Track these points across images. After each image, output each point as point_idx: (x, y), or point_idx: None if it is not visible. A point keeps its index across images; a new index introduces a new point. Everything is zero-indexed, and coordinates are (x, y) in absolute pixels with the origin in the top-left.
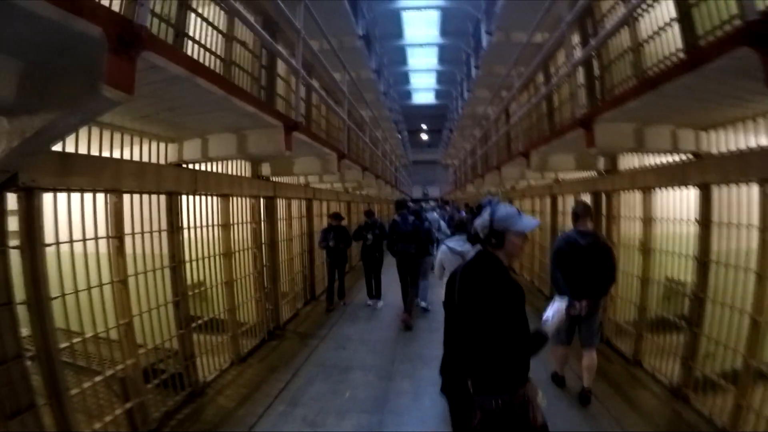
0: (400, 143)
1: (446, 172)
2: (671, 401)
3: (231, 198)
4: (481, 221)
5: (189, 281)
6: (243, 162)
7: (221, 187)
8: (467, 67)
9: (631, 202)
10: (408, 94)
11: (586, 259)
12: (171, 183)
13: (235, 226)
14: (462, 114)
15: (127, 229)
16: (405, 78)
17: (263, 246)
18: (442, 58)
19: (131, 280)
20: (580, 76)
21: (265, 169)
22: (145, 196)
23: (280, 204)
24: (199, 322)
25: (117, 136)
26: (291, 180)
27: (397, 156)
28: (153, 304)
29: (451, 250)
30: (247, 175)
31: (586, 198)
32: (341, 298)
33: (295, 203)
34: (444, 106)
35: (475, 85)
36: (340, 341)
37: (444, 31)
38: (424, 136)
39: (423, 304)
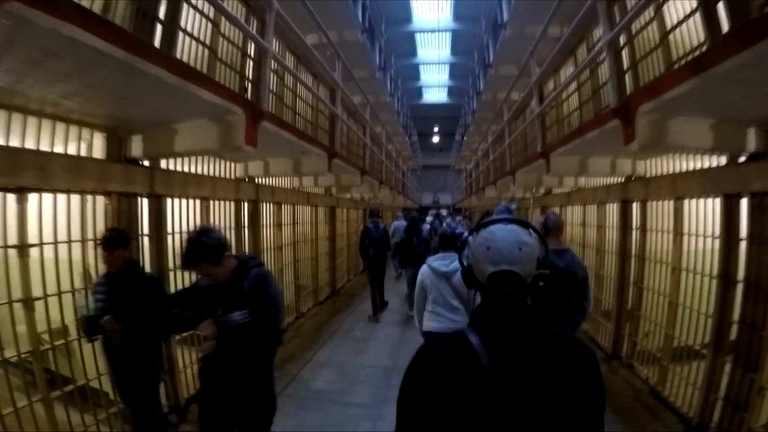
0: (407, 144)
1: (459, 178)
2: None
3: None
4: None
5: None
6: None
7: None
8: (486, 49)
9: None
10: (418, 92)
11: (568, 285)
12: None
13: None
14: (481, 102)
15: None
16: (415, 72)
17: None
18: (456, 49)
19: None
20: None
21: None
22: None
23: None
24: None
25: None
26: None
27: (403, 158)
28: None
29: (434, 271)
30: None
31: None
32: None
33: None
34: (457, 107)
35: (498, 58)
36: None
37: (457, 16)
38: (436, 139)
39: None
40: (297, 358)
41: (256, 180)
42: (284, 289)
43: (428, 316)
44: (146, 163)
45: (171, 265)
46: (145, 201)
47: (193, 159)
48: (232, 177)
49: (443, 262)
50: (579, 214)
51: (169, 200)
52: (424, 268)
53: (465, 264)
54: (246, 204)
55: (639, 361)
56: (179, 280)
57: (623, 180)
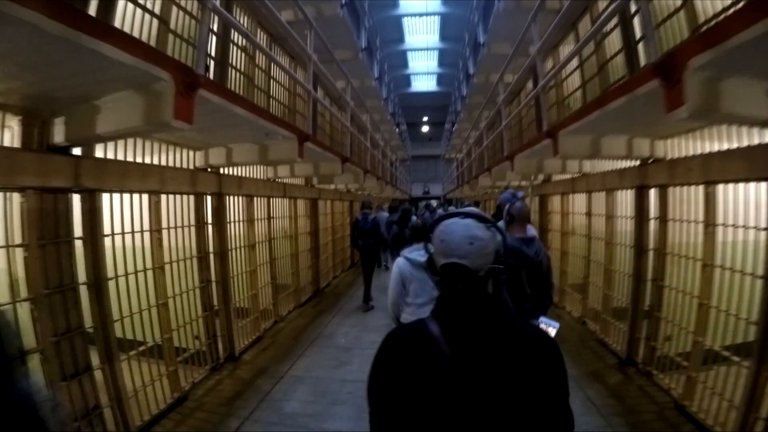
0: (396, 133)
1: (449, 168)
2: None
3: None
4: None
5: None
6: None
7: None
8: (477, 27)
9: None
10: (407, 81)
11: (537, 274)
12: None
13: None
14: (472, 86)
15: None
16: (403, 59)
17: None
18: (445, 34)
19: None
20: None
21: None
22: None
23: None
24: None
25: None
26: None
27: (392, 148)
28: None
29: (411, 263)
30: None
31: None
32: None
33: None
34: (447, 95)
35: (491, 36)
36: None
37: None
38: (425, 129)
39: None
40: (270, 372)
41: (221, 170)
42: (259, 292)
43: (410, 310)
44: (77, 151)
45: (111, 273)
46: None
47: (142, 146)
48: (192, 167)
49: (420, 253)
50: (583, 203)
51: (106, 196)
52: (400, 261)
53: (430, 252)
54: (210, 198)
55: (659, 369)
56: (121, 291)
57: (638, 163)
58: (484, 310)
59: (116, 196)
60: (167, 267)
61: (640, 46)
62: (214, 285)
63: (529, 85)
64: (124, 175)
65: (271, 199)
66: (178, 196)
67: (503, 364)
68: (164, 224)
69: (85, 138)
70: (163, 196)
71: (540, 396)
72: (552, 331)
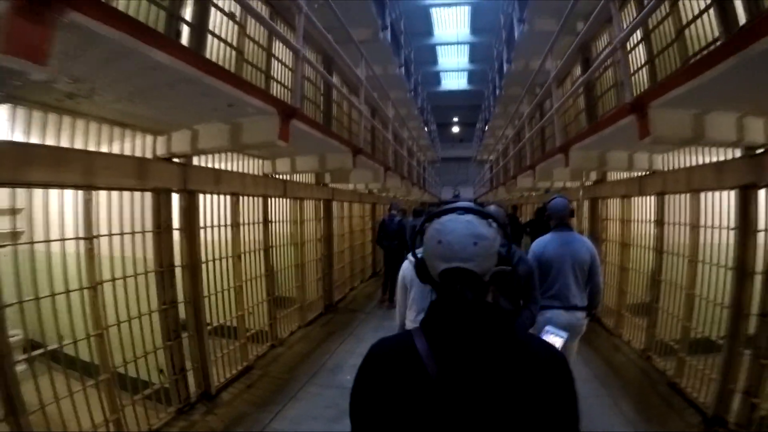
0: (424, 130)
1: (481, 170)
2: None
3: None
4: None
5: None
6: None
7: None
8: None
9: None
10: (436, 78)
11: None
12: None
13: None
14: (510, 73)
15: None
16: (432, 55)
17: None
18: (476, 27)
19: None
20: None
21: None
22: None
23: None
24: None
25: None
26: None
27: (420, 147)
28: None
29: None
30: None
31: None
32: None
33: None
34: (478, 93)
35: (532, 9)
36: None
37: None
38: (456, 129)
39: None
40: (249, 420)
41: (195, 160)
42: (253, 310)
43: (409, 316)
44: None
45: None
46: None
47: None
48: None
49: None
50: (652, 208)
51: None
52: (405, 264)
53: (417, 256)
54: (179, 196)
55: None
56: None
57: (741, 155)
58: (480, 322)
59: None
60: (111, 285)
61: None
62: (184, 305)
63: (577, 70)
64: (21, 162)
65: (269, 199)
66: (119, 193)
67: (499, 385)
68: (108, 229)
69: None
70: (95, 193)
71: (543, 424)
72: (558, 342)
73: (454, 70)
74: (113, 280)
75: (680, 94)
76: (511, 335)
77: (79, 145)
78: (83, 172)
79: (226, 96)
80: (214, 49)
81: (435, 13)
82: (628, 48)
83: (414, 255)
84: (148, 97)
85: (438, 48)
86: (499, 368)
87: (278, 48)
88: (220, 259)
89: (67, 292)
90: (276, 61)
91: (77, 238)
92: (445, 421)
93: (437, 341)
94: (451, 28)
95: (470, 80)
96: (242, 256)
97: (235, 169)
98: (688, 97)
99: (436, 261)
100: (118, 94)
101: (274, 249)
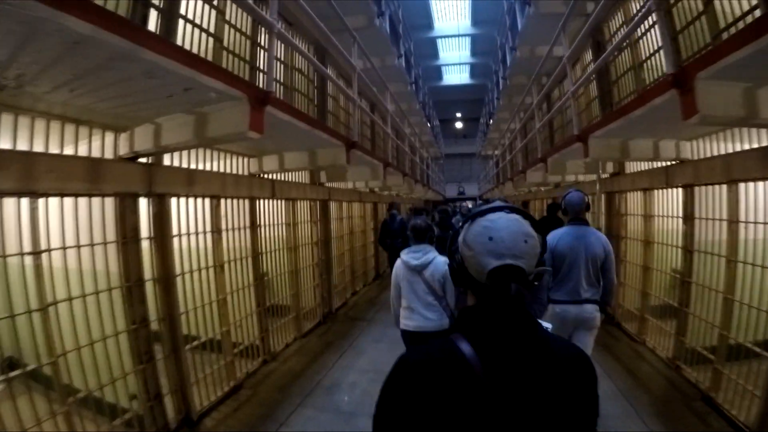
0: (427, 126)
1: (486, 166)
2: None
3: None
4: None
5: None
6: None
7: None
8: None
9: None
10: (438, 72)
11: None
12: None
13: None
14: (515, 60)
15: None
16: (433, 48)
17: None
18: (477, 19)
19: None
20: None
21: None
22: None
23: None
24: None
25: None
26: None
27: (423, 143)
28: None
29: (405, 264)
30: None
31: None
32: None
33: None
34: (481, 87)
35: None
36: None
37: None
38: (459, 125)
39: None
40: None
41: (167, 160)
42: (241, 324)
43: (403, 314)
44: None
45: None
46: None
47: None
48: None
49: (415, 255)
50: (679, 202)
51: None
52: (398, 263)
53: (456, 259)
54: (148, 201)
55: None
56: None
57: None
58: (524, 324)
59: None
60: (67, 304)
61: None
62: (158, 323)
63: (587, 56)
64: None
65: (256, 201)
66: (73, 200)
67: (544, 389)
68: (61, 241)
69: None
70: (42, 200)
71: (575, 423)
72: None
73: (455, 64)
74: (70, 299)
75: (737, 60)
76: (547, 337)
77: (23, 146)
78: (20, 176)
79: (177, 77)
80: (187, 38)
81: (435, 5)
82: (647, 25)
83: (452, 257)
84: (88, 83)
85: (439, 41)
86: (540, 367)
87: (263, 37)
88: (200, 270)
89: (12, 316)
90: (262, 51)
91: (21, 254)
92: (496, 424)
93: (483, 345)
94: (452, 21)
95: (473, 74)
96: (226, 264)
97: (217, 169)
98: (748, 64)
99: (485, 258)
100: (53, 82)
101: (264, 255)
